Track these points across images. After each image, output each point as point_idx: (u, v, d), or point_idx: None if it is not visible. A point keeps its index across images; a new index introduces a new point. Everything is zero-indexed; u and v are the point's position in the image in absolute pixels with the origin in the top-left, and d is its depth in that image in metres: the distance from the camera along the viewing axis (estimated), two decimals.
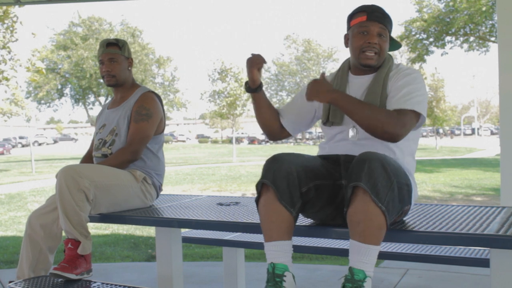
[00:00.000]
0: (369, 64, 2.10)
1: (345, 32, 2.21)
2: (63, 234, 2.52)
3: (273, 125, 2.32)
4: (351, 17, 2.16)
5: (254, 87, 2.24)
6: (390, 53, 2.23)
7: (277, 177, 1.86)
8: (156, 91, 2.94)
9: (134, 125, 2.79)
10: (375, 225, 1.71)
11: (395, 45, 2.19)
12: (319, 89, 2.01)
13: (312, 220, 2.12)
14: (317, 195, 1.95)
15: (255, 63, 2.20)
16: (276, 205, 1.86)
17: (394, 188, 1.75)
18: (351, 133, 2.11)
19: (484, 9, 17.16)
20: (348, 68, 2.24)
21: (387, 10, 2.13)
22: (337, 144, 2.15)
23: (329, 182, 1.99)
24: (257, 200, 1.94)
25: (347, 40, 2.19)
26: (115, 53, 2.87)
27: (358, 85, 2.16)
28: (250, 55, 2.22)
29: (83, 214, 2.43)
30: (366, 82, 2.14)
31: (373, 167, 1.72)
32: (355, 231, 1.73)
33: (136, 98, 2.87)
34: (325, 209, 2.01)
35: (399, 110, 1.97)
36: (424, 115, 2.01)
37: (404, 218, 2.08)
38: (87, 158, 3.04)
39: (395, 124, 1.93)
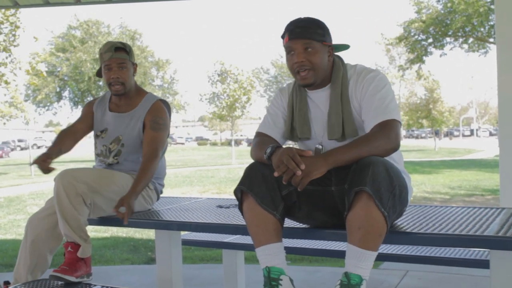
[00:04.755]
0: (307, 83, 1.99)
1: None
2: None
3: None
4: (283, 39, 2.05)
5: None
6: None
7: (254, 182, 1.87)
8: (154, 94, 2.88)
9: (153, 133, 2.67)
10: (376, 231, 1.70)
11: (341, 47, 2.08)
12: (310, 170, 1.75)
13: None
14: (302, 199, 1.94)
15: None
16: (258, 209, 1.86)
17: (396, 192, 1.74)
18: (317, 151, 2.03)
19: (481, 10, 17.19)
20: None
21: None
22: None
23: (316, 187, 1.94)
24: (240, 207, 1.94)
25: None
26: (124, 59, 2.67)
27: (319, 100, 2.07)
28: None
29: (81, 218, 2.44)
30: (326, 96, 2.05)
31: (377, 171, 1.70)
32: (355, 236, 1.71)
33: (147, 107, 2.72)
34: (314, 214, 1.99)
35: (382, 124, 1.88)
36: (400, 120, 1.94)
37: (404, 220, 2.08)
38: (67, 134, 2.78)
39: (389, 139, 1.85)
